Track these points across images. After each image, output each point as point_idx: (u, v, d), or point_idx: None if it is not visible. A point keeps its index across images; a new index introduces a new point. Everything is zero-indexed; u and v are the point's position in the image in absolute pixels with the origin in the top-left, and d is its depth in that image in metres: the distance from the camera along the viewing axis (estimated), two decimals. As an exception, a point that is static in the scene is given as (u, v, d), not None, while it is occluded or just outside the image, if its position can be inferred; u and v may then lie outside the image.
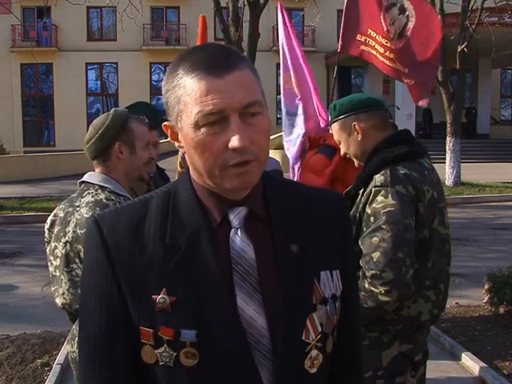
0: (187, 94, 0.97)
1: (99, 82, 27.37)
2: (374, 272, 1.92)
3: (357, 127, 2.19)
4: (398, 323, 2.06)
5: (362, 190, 2.12)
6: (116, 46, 25.81)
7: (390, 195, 1.99)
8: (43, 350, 4.49)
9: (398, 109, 2.48)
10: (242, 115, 0.96)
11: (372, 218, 1.99)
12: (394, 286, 1.90)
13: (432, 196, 2.07)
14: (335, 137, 2.31)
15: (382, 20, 4.63)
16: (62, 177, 17.89)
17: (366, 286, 1.94)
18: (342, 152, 2.31)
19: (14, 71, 25.84)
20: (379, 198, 2.00)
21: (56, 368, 4.11)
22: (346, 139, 2.25)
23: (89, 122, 28.22)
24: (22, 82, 26.48)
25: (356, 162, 2.29)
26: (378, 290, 1.92)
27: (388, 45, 4.63)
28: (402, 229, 1.95)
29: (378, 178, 2.04)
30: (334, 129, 2.29)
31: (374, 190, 2.04)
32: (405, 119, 19.05)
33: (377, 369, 2.05)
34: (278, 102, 27.46)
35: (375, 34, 4.61)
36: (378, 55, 4.64)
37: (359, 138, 2.20)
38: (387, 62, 4.65)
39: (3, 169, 17.59)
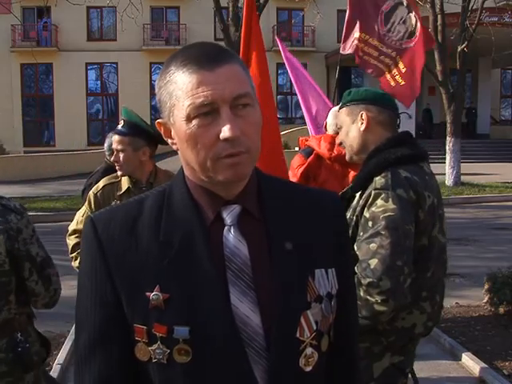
0: (179, 88, 0.99)
1: (99, 81, 27.35)
2: (370, 280, 1.81)
3: (364, 116, 2.09)
4: (391, 335, 1.98)
5: (359, 193, 2.02)
6: (116, 45, 25.80)
7: (390, 199, 1.89)
8: (43, 350, 4.48)
9: (410, 117, 2.43)
10: (232, 107, 0.97)
11: (370, 223, 1.89)
12: (390, 295, 1.81)
13: (432, 202, 1.98)
14: (338, 121, 2.23)
15: (379, 23, 4.62)
16: (62, 177, 17.90)
17: (362, 294, 1.83)
18: (337, 140, 2.24)
19: (14, 71, 25.82)
20: (379, 202, 1.90)
21: (56, 368, 4.10)
22: (347, 125, 2.16)
23: (89, 122, 28.11)
24: (22, 82, 26.46)
25: (347, 155, 2.20)
26: (373, 299, 1.82)
27: (384, 49, 4.63)
28: (402, 235, 1.86)
29: (379, 181, 1.94)
30: (341, 113, 2.21)
31: (373, 192, 1.93)
32: (405, 119, 19.01)
33: (368, 380, 1.98)
34: (278, 102, 27.48)
35: (367, 37, 4.61)
36: (370, 59, 4.65)
37: (362, 128, 2.10)
38: (382, 67, 4.66)
39: (3, 169, 17.60)
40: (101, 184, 2.98)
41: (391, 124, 2.13)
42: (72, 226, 3.05)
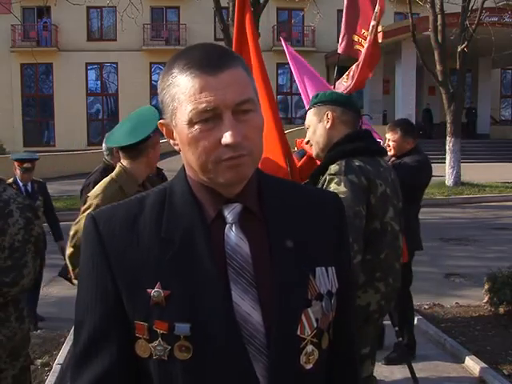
0: (181, 91, 0.99)
1: (99, 81, 27.35)
2: None
3: (329, 116, 2.31)
4: None
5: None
6: (116, 45, 25.80)
7: (342, 183, 2.11)
8: (43, 350, 4.49)
9: (371, 118, 2.64)
10: (234, 112, 0.98)
11: None
12: None
13: (384, 190, 2.19)
14: (306, 122, 2.44)
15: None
16: (62, 177, 17.89)
17: None
18: (305, 139, 2.44)
19: (14, 71, 25.83)
20: (332, 186, 2.13)
21: (56, 368, 4.11)
22: (315, 125, 2.37)
23: (89, 122, 27.96)
24: (22, 82, 26.47)
25: (314, 152, 2.41)
26: None
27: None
28: (352, 215, 2.04)
29: (333, 168, 2.18)
30: (309, 113, 2.42)
31: (328, 177, 2.18)
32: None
33: None
34: (278, 102, 27.49)
35: (367, 33, 4.65)
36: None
37: (327, 126, 2.32)
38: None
39: (3, 169, 17.59)
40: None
41: (353, 123, 2.36)
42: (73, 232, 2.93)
